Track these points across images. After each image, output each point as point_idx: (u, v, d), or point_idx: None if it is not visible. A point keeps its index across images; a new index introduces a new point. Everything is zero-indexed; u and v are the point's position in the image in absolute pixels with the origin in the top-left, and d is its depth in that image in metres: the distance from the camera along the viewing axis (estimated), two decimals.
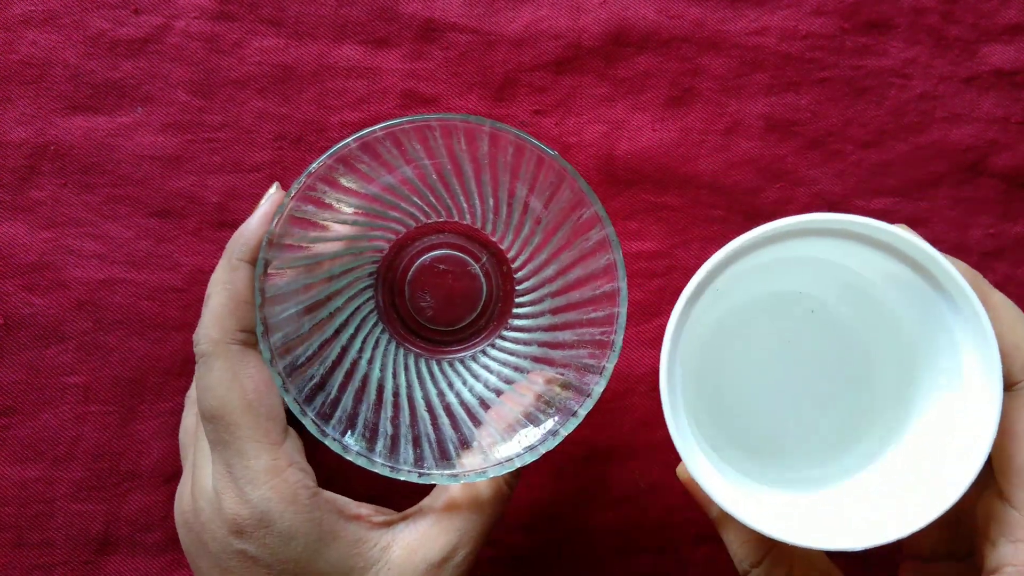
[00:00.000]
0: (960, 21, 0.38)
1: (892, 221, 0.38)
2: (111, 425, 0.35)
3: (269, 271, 0.29)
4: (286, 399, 0.29)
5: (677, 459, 0.26)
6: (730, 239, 0.26)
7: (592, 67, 0.37)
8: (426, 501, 0.31)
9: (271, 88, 0.35)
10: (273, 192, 0.30)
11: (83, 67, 0.35)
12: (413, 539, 0.29)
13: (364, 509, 0.30)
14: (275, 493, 0.27)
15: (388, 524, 0.30)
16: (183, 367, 0.35)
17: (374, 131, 0.29)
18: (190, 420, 0.33)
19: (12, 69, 0.34)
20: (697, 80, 0.37)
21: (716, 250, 0.26)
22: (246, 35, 0.35)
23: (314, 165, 0.29)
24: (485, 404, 0.33)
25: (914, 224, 0.38)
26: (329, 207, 0.31)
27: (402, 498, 0.33)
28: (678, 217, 0.37)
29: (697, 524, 0.37)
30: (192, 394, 0.33)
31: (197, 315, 0.35)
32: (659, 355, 0.26)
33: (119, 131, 0.35)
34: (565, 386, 0.31)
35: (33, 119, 0.34)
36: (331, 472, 0.32)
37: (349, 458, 0.29)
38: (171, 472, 0.35)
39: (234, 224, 0.35)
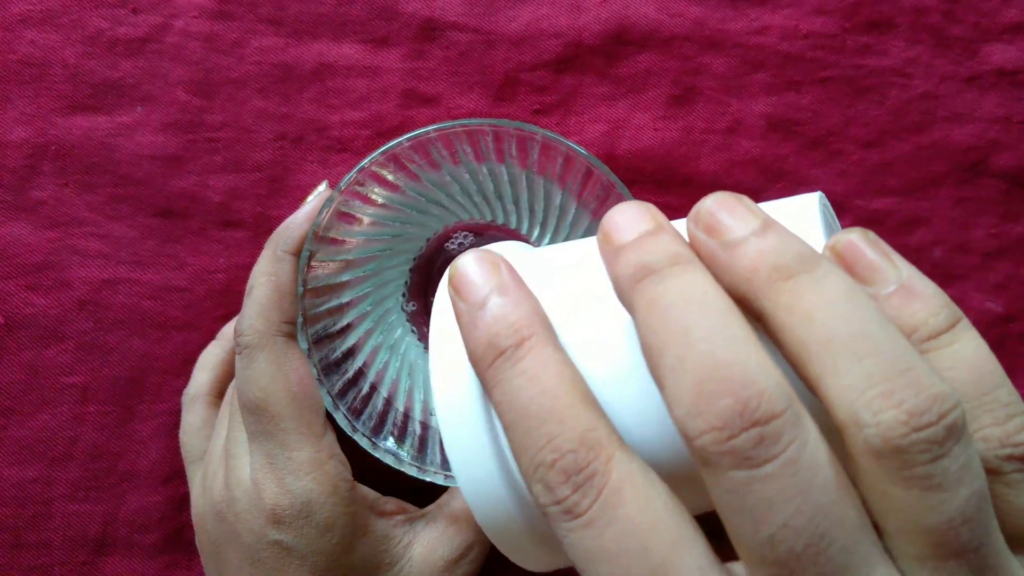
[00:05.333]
0: (961, 20, 0.38)
1: (893, 221, 0.38)
2: (109, 425, 0.35)
3: (312, 263, 0.29)
4: (320, 392, 0.29)
5: None
6: None
7: (593, 66, 0.37)
8: (443, 498, 0.31)
9: (271, 87, 0.35)
10: (322, 189, 0.31)
11: (82, 66, 0.35)
12: (433, 537, 0.30)
13: (391, 505, 0.30)
14: (317, 484, 0.28)
15: (410, 521, 0.30)
16: (182, 367, 0.35)
17: (427, 131, 0.29)
18: (191, 419, 0.33)
19: (11, 69, 0.34)
20: (698, 79, 0.37)
21: None
22: (246, 34, 0.35)
23: (365, 161, 0.29)
24: None
25: (915, 224, 0.38)
26: (374, 203, 0.31)
27: (406, 493, 0.33)
28: (680, 217, 0.37)
29: (698, 521, 0.36)
30: (191, 392, 0.33)
31: (199, 315, 0.35)
32: None
33: (119, 131, 0.35)
34: None
35: (33, 119, 0.34)
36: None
37: (377, 455, 0.29)
38: (169, 473, 0.35)
39: (239, 224, 0.35)
